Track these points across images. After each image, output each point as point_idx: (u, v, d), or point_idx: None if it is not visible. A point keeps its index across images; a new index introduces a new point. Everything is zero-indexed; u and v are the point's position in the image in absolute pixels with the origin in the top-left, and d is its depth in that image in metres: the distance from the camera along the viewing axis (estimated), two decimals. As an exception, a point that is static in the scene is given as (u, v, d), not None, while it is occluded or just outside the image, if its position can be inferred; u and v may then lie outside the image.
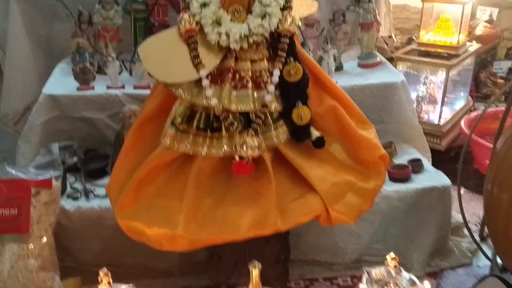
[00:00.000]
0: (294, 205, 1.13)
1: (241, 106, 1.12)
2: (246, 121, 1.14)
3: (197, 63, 1.10)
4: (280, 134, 1.16)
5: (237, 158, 1.12)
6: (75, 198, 1.48)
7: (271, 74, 1.15)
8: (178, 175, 1.16)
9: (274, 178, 1.12)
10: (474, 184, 2.06)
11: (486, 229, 1.69)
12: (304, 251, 1.59)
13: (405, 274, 1.09)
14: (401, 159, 1.69)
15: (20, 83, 2.04)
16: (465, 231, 1.75)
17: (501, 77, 2.87)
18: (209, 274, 1.53)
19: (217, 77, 1.13)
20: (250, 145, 1.09)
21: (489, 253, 1.61)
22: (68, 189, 1.52)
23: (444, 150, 2.13)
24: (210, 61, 1.12)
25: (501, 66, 3.00)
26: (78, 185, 1.55)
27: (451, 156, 2.18)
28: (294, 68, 1.15)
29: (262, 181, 1.13)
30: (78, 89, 1.71)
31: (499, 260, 1.52)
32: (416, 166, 1.61)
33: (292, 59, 1.15)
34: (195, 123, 1.14)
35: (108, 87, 1.72)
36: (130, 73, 1.83)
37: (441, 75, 2.14)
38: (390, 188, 1.54)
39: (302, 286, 1.53)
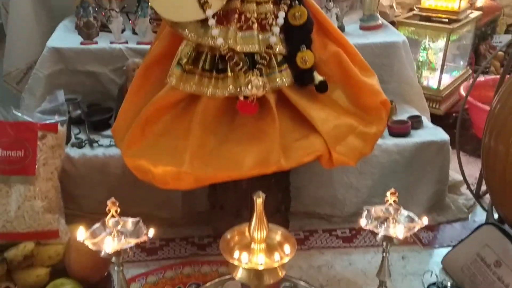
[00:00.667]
0: (297, 144, 1.16)
1: (246, 47, 1.14)
2: (251, 62, 1.16)
3: (203, 2, 1.12)
4: (284, 76, 1.19)
5: (241, 97, 1.14)
6: (80, 147, 1.50)
7: (276, 16, 1.16)
8: (183, 115, 1.18)
9: (278, 118, 1.15)
10: (472, 148, 2.09)
11: (482, 190, 1.73)
12: (304, 204, 1.62)
13: (404, 212, 1.12)
14: (401, 117, 1.72)
15: (23, 42, 2.03)
16: (462, 190, 1.79)
17: (500, 51, 2.89)
18: (212, 224, 1.56)
19: (223, 18, 1.15)
20: (255, 84, 1.11)
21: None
22: (73, 139, 1.54)
23: (442, 114, 2.15)
24: (217, 1, 1.13)
25: (500, 40, 3.01)
26: (82, 136, 1.57)
27: (449, 122, 2.20)
28: (299, 11, 1.16)
29: (266, 120, 1.15)
30: (81, 43, 1.72)
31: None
32: (415, 122, 1.64)
33: (297, 2, 1.17)
34: (200, 64, 1.16)
35: (111, 42, 1.73)
36: (133, 31, 1.84)
37: (441, 41, 2.16)
38: (390, 141, 1.56)
39: (301, 237, 1.57)
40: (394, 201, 1.08)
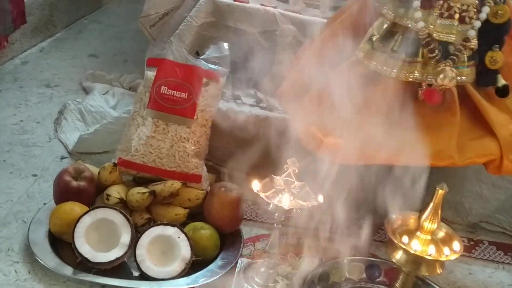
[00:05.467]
0: (473, 144, 1.13)
1: (444, 36, 1.12)
2: (444, 52, 1.13)
3: (410, -17, 1.10)
4: (469, 73, 1.16)
5: (425, 86, 1.13)
6: (227, 100, 1.52)
7: (479, 10, 1.13)
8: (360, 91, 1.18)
9: (459, 113, 1.12)
10: None
11: None
12: (428, 204, 1.59)
13: None
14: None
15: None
16: None
17: None
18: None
19: (426, 2, 1.12)
20: (448, 75, 1.09)
21: None
22: (217, 91, 1.57)
23: None
24: (424, -16, 1.11)
25: None
26: (225, 90, 1.60)
27: None
28: (502, 9, 1.12)
29: (445, 114, 1.13)
30: (235, 0, 1.74)
31: None
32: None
33: (502, 0, 1.13)
34: (391, 43, 1.15)
35: (261, 4, 1.74)
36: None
37: None
38: (534, 160, 1.51)
39: (419, 235, 1.54)
40: None
